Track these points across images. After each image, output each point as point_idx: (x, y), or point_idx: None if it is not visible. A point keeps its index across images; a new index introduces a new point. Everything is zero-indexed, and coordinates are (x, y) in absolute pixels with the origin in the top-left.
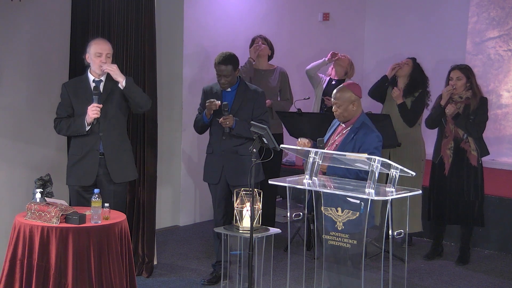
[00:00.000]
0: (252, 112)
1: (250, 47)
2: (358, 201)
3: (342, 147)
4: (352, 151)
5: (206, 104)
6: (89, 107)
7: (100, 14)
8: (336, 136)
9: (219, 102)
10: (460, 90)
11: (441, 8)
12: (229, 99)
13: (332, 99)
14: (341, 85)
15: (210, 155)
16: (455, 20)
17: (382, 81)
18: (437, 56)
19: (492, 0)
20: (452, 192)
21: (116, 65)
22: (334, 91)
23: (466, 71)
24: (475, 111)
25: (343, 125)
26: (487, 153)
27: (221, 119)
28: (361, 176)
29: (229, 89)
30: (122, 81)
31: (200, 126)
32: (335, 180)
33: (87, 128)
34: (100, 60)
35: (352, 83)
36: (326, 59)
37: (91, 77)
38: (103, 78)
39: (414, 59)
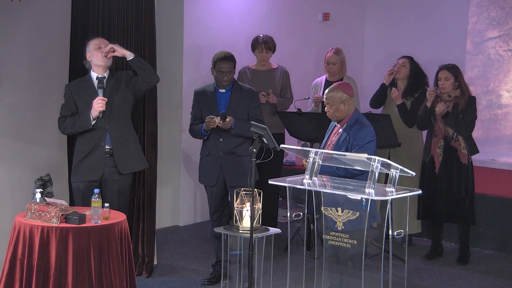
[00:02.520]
0: (248, 112)
1: (252, 47)
2: (359, 197)
3: (337, 146)
4: (347, 149)
5: (206, 120)
6: (94, 101)
7: (100, 14)
8: (333, 137)
9: (218, 119)
10: (448, 89)
11: (441, 8)
12: (224, 99)
13: (324, 99)
14: (333, 85)
15: (206, 157)
16: (455, 20)
17: (381, 90)
18: (437, 56)
19: (492, 0)
20: (442, 190)
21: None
22: (326, 91)
23: (453, 70)
24: (463, 109)
25: (338, 125)
26: (477, 151)
27: (220, 124)
28: (351, 171)
29: (223, 90)
30: (129, 54)
31: (198, 136)
32: (335, 180)
33: (93, 122)
34: (101, 51)
35: (344, 83)
36: (313, 103)
37: (94, 75)
38: (106, 75)
39: (410, 59)
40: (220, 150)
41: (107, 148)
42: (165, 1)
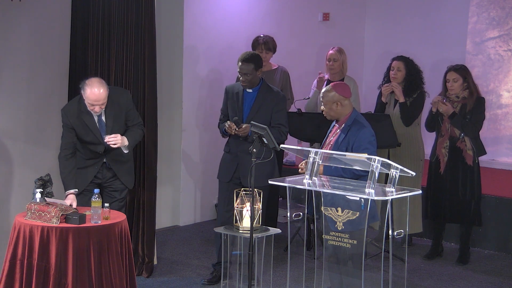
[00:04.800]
0: (271, 115)
1: (252, 47)
2: (357, 198)
3: (336, 146)
4: (346, 149)
5: (228, 125)
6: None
7: (100, 14)
8: (331, 137)
9: (237, 129)
10: (457, 90)
11: (441, 8)
12: (250, 100)
13: (321, 98)
14: (329, 85)
15: (226, 154)
16: (455, 20)
17: (380, 107)
18: (437, 56)
19: (492, 0)
20: (447, 190)
21: (118, 136)
22: (323, 90)
23: (462, 71)
24: (471, 110)
25: (336, 125)
26: (484, 152)
27: (236, 131)
28: (357, 173)
29: (250, 90)
30: (125, 150)
31: (221, 134)
32: (335, 180)
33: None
34: (93, 111)
35: (339, 83)
36: (316, 89)
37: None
38: (102, 109)
39: (404, 60)
40: (239, 149)
41: (106, 165)
42: (165, 1)
